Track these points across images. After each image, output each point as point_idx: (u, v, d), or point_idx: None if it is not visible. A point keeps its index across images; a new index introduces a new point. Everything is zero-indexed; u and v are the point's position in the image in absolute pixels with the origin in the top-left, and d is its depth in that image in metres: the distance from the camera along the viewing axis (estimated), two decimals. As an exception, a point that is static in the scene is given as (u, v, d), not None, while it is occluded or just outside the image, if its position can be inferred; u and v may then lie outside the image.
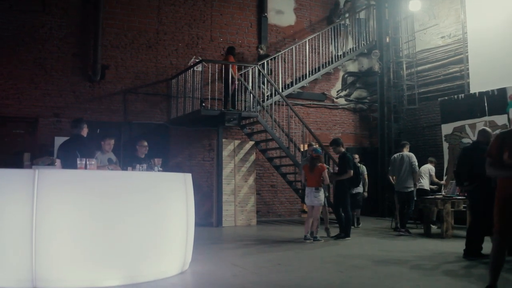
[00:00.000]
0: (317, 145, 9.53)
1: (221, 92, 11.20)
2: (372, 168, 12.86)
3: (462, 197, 8.69)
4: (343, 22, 13.79)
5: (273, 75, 12.20)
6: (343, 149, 8.80)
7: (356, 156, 10.65)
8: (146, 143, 8.30)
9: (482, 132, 6.66)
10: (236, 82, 11.14)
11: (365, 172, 11.20)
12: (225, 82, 10.88)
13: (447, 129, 11.66)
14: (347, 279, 5.18)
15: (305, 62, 12.94)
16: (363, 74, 14.54)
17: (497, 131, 5.84)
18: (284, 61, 12.72)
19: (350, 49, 13.77)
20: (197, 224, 5.85)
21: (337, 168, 9.42)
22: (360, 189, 10.60)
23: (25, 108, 10.56)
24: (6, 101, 10.43)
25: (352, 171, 8.53)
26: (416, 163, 9.29)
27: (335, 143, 8.86)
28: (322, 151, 9.21)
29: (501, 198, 4.02)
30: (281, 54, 12.53)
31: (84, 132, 6.68)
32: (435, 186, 10.61)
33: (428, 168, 10.41)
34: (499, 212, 4.01)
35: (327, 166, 9.44)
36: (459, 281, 5.14)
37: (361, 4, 14.31)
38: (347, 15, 13.89)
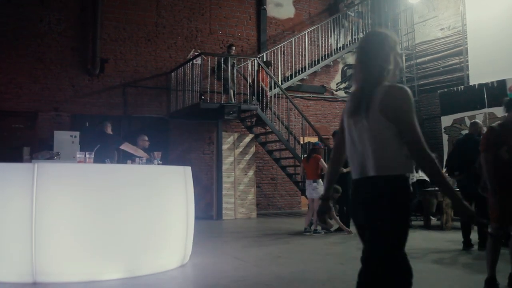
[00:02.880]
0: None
1: (221, 86, 11.18)
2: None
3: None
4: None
5: (272, 68, 12.17)
6: None
7: None
8: (147, 138, 8.31)
9: (473, 125, 7.04)
10: (268, 94, 11.14)
11: None
12: (258, 95, 10.95)
13: (446, 121, 11.65)
14: (347, 271, 5.19)
15: (305, 55, 12.90)
16: (362, 66, 14.47)
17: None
18: (284, 54, 12.68)
19: (349, 41, 13.73)
20: (197, 217, 5.86)
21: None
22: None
23: (24, 103, 10.55)
24: (5, 96, 10.41)
25: None
26: None
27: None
28: (322, 144, 9.20)
29: (500, 187, 4.05)
30: (280, 46, 12.49)
31: (107, 129, 7.46)
32: None
33: None
34: (499, 201, 4.02)
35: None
36: (459, 272, 5.16)
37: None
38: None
